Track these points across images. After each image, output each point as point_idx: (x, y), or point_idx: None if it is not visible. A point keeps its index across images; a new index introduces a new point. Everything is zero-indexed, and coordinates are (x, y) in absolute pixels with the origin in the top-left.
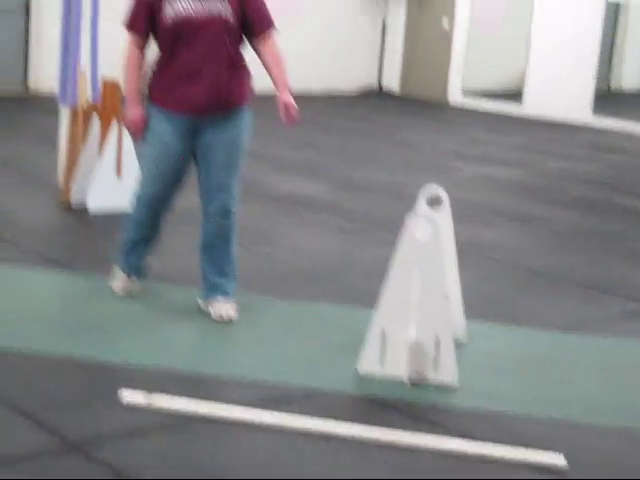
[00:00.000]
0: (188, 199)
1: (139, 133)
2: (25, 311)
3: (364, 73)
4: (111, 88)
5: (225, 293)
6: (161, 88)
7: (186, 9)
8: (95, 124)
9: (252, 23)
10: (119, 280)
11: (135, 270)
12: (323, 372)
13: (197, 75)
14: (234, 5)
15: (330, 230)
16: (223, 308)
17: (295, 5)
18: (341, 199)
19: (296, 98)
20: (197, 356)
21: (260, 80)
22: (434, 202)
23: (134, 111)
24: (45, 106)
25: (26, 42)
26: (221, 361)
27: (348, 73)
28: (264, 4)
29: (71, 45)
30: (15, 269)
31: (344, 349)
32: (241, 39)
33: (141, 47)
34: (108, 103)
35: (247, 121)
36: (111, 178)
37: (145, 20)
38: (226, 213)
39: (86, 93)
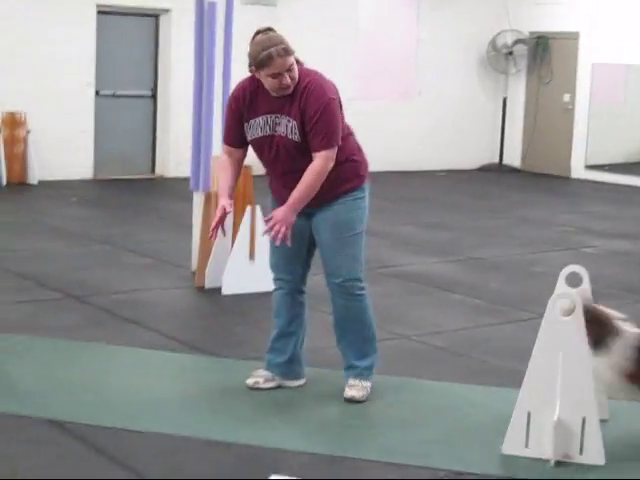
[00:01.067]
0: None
1: (218, 222)
2: (164, 393)
3: (485, 149)
4: (243, 173)
5: (358, 375)
6: (269, 182)
7: (256, 132)
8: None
9: (309, 142)
10: (257, 373)
11: (274, 367)
12: (466, 453)
13: (284, 183)
14: (299, 124)
15: (464, 309)
16: (354, 390)
17: (416, 85)
18: (472, 277)
19: (418, 174)
20: (340, 438)
21: (380, 159)
22: (573, 280)
23: (219, 201)
24: (173, 190)
25: (153, 127)
26: (364, 443)
27: (469, 150)
28: (323, 124)
29: (203, 130)
30: (152, 352)
31: (486, 430)
32: None
33: (231, 154)
34: (240, 188)
35: (355, 203)
36: (244, 262)
37: (232, 132)
38: (348, 296)
39: (213, 178)
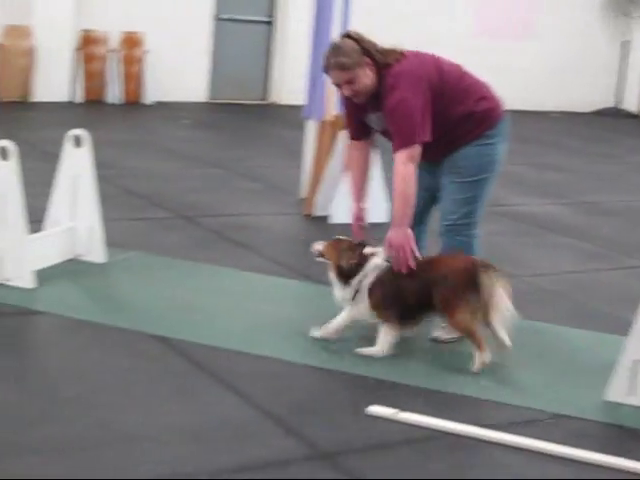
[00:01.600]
0: None
1: (355, 227)
2: (271, 318)
3: (602, 93)
4: None
5: None
6: None
7: (374, 126)
8: (341, 138)
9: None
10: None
11: None
12: (569, 397)
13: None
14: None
15: (575, 253)
16: (441, 330)
17: (533, 25)
18: (584, 221)
19: (531, 114)
20: (440, 375)
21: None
22: None
23: (352, 205)
24: (285, 117)
25: (269, 53)
26: (463, 380)
27: (586, 93)
28: (395, 125)
29: (320, 58)
30: (260, 276)
31: (590, 375)
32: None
33: (358, 148)
34: None
35: (480, 149)
36: None
37: (353, 126)
38: (457, 237)
39: (333, 106)
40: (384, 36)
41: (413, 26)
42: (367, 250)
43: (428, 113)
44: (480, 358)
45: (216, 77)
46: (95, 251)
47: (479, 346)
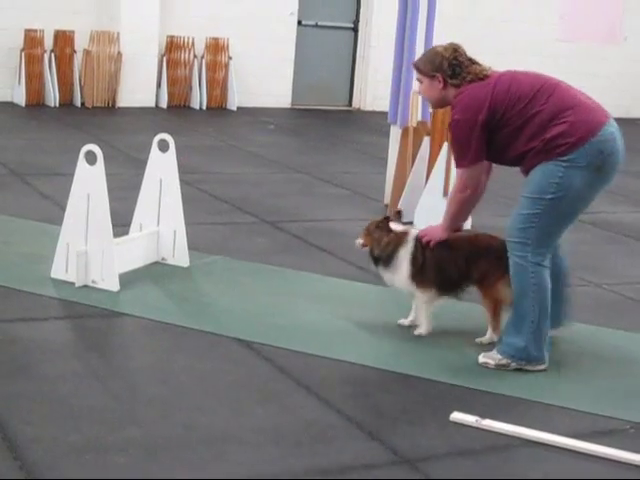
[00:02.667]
0: None
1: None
2: (353, 323)
3: None
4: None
5: (500, 350)
6: None
7: None
8: (425, 144)
9: None
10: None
11: None
12: None
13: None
14: None
15: None
16: (488, 356)
17: (622, 31)
18: None
19: (618, 121)
20: (522, 383)
21: None
22: None
23: (441, 232)
24: (369, 123)
25: (353, 59)
26: (547, 390)
27: None
28: (452, 142)
29: (405, 65)
30: (342, 281)
31: None
32: (501, 145)
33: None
34: (439, 123)
35: (551, 169)
36: (438, 197)
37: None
38: (510, 255)
39: (417, 113)
40: (468, 42)
41: (498, 32)
42: (394, 226)
43: (478, 137)
44: (491, 336)
45: (300, 83)
46: (179, 255)
47: (497, 325)
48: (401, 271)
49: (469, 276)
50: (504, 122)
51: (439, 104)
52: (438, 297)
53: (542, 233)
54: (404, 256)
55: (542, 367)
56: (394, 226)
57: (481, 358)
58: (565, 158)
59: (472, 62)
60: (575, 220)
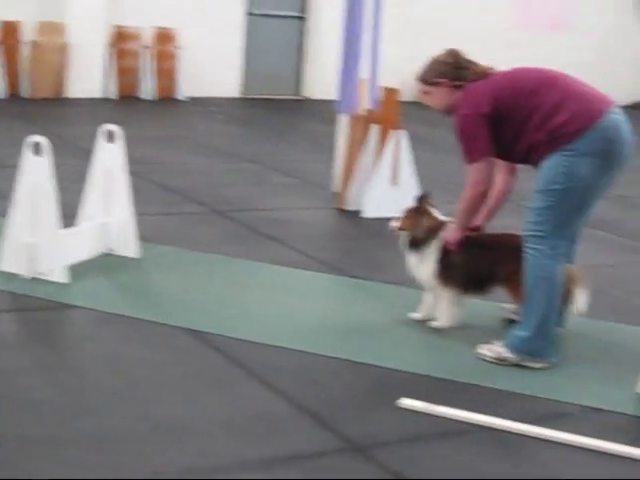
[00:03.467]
0: None
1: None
2: (304, 312)
3: (638, 84)
4: (391, 96)
5: (505, 342)
6: None
7: None
8: (373, 132)
9: None
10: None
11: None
12: (604, 391)
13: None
14: None
15: (608, 246)
16: (487, 348)
17: (568, 19)
18: (620, 216)
19: None
20: (474, 368)
21: None
22: None
23: (455, 233)
24: (318, 112)
25: (302, 49)
26: (498, 375)
27: (621, 86)
28: (458, 142)
29: (352, 53)
30: (293, 270)
31: (627, 369)
32: (509, 139)
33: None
34: (387, 111)
35: (558, 159)
36: (387, 186)
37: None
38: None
39: (365, 101)
40: (417, 30)
41: (448, 20)
42: (435, 212)
43: (484, 132)
44: None
45: (249, 72)
46: (128, 246)
47: None
48: (427, 265)
49: (495, 276)
50: (509, 115)
51: (449, 109)
52: (462, 296)
53: (556, 225)
54: (433, 249)
55: (544, 365)
56: (435, 212)
57: (480, 349)
58: (569, 147)
59: (473, 63)
60: (589, 211)
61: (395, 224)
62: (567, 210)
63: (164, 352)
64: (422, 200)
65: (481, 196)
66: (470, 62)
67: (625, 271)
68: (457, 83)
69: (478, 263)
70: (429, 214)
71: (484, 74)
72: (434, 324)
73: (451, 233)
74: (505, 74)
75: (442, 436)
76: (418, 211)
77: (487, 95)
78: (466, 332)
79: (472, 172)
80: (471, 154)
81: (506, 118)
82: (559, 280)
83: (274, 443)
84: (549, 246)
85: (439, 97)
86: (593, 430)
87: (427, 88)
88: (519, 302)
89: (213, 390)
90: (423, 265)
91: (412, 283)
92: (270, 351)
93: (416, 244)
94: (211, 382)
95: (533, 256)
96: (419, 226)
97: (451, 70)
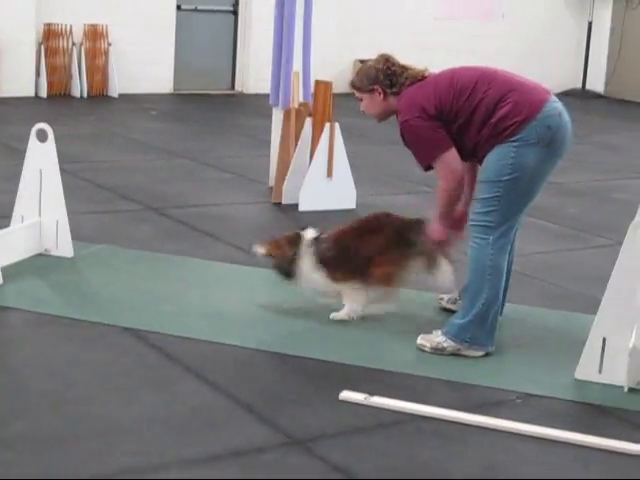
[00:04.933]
0: None
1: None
2: (240, 307)
3: (569, 74)
4: (324, 89)
5: (443, 331)
6: None
7: None
8: (307, 125)
9: None
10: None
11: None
12: (539, 376)
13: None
14: None
15: (541, 234)
16: (426, 338)
17: (499, 8)
18: (551, 202)
19: None
20: (412, 359)
21: None
22: None
23: (436, 226)
24: (252, 106)
25: (234, 42)
26: (436, 365)
27: (552, 74)
28: (413, 144)
29: (284, 46)
30: (229, 266)
31: (561, 354)
32: (453, 137)
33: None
34: (320, 104)
35: (502, 151)
36: (322, 179)
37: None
38: (471, 239)
39: (299, 94)
40: (345, 21)
41: (374, 10)
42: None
43: (436, 127)
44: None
45: (181, 68)
46: (62, 245)
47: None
48: (312, 275)
49: (368, 256)
50: (453, 116)
51: (385, 115)
52: (358, 285)
53: (504, 214)
54: (307, 262)
55: (481, 353)
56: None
57: (419, 340)
58: (515, 138)
59: (406, 68)
60: (534, 197)
61: (260, 250)
62: (514, 199)
63: (100, 352)
64: (298, 235)
65: (457, 185)
66: (403, 67)
67: (557, 257)
68: (392, 90)
69: (355, 251)
70: (291, 241)
71: (420, 77)
72: (334, 315)
73: (434, 227)
74: (442, 75)
75: (381, 427)
76: (288, 240)
77: (428, 97)
78: (406, 323)
79: (440, 167)
80: (431, 152)
81: (449, 118)
82: (503, 271)
83: (214, 439)
84: (496, 236)
85: (373, 104)
86: (532, 416)
87: (360, 95)
88: (388, 285)
89: (151, 388)
90: (309, 278)
91: None
92: (208, 347)
93: (283, 269)
94: (149, 380)
95: (480, 245)
96: (284, 256)
97: (383, 76)
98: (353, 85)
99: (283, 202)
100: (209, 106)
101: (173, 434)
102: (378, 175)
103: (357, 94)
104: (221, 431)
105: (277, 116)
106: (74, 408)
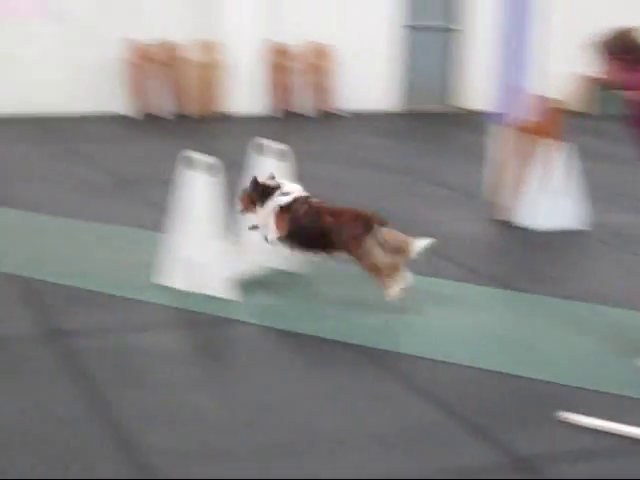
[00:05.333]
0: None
1: None
2: (466, 325)
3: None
4: (554, 107)
5: None
6: None
7: None
8: (538, 144)
9: None
10: None
11: None
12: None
13: None
14: None
15: None
16: None
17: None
18: None
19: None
20: (626, 380)
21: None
22: None
23: None
24: (477, 123)
25: (452, 59)
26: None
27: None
28: None
29: (511, 65)
30: (451, 283)
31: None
32: None
33: None
34: (551, 123)
35: None
36: (552, 197)
37: None
38: None
39: (526, 112)
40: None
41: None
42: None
43: None
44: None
45: (405, 86)
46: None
47: None
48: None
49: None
50: None
51: (621, 87)
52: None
53: None
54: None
55: None
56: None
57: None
58: None
59: None
60: None
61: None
62: None
63: (323, 367)
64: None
65: None
66: None
67: None
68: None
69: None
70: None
71: None
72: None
73: None
74: None
75: (612, 453)
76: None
77: None
78: (609, 343)
79: None
80: None
81: None
82: None
83: (436, 457)
84: None
85: (616, 71)
86: None
87: (608, 59)
88: (367, 270)
89: (374, 403)
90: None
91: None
92: (429, 364)
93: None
94: (369, 395)
95: None
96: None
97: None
98: (605, 47)
99: (511, 220)
100: (433, 123)
101: (397, 450)
102: (611, 194)
103: (605, 58)
104: (443, 449)
105: (499, 133)
106: (299, 420)
